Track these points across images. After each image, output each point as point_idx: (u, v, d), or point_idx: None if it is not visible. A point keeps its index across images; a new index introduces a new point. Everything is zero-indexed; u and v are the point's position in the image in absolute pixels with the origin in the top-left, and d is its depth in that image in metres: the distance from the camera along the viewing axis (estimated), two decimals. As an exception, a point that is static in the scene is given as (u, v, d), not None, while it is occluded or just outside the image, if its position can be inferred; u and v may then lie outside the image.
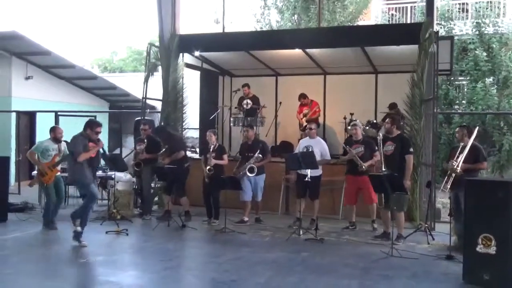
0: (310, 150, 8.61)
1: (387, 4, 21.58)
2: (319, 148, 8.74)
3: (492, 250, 5.61)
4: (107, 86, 18.20)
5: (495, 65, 15.80)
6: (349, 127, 9.45)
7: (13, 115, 14.31)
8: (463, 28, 17.35)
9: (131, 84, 17.80)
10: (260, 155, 8.82)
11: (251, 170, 8.73)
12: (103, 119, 15.90)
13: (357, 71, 11.84)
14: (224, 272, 6.16)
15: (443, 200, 10.83)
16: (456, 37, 14.74)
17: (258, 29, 21.29)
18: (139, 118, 11.16)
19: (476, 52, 15.87)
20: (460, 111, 16.14)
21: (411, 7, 20.50)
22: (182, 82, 11.18)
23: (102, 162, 9.55)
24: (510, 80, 15.73)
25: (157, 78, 11.27)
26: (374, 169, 8.21)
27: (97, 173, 8.40)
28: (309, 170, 8.21)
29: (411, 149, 7.84)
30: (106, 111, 18.32)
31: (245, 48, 11.05)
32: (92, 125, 7.62)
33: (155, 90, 11.26)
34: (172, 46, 10.88)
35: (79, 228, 7.38)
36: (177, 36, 11.01)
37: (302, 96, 11.53)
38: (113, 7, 51.70)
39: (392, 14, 21.14)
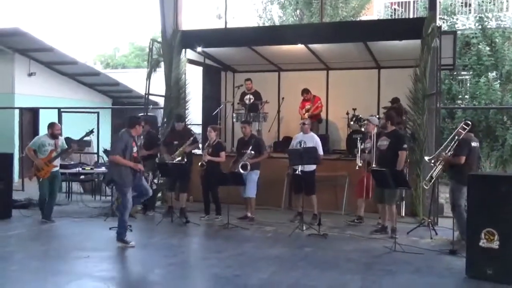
0: (303, 145, 8.62)
1: (390, -2, 21.52)
2: (313, 143, 8.72)
3: (495, 244, 5.61)
4: (110, 83, 18.21)
5: (498, 59, 15.75)
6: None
7: (16, 111, 14.34)
8: (466, 23, 17.28)
9: (134, 80, 17.83)
10: (252, 152, 8.74)
11: (243, 167, 8.62)
12: (106, 115, 15.95)
13: (360, 66, 11.83)
14: (227, 268, 6.18)
15: (446, 195, 10.83)
16: (459, 32, 14.70)
17: (261, 25, 21.28)
18: (140, 114, 11.16)
19: (479, 46, 15.81)
20: (463, 106, 16.10)
21: (414, 1, 20.46)
22: (184, 78, 11.17)
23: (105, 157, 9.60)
24: (513, 74, 15.69)
25: (159, 74, 11.27)
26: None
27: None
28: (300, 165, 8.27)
29: (405, 145, 7.81)
30: (109, 107, 18.35)
31: (248, 44, 11.03)
32: (139, 121, 7.39)
33: (158, 86, 11.27)
34: (174, 42, 10.87)
35: (132, 243, 7.09)
36: (179, 32, 10.99)
37: (305, 91, 11.51)
38: (115, 3, 51.70)
39: (395, 9, 21.09)
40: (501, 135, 14.82)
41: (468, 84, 16.73)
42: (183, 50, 11.08)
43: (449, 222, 7.46)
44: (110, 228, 8.16)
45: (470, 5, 18.76)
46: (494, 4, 17.62)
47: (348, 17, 20.11)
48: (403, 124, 9.46)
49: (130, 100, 19.23)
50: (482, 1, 17.52)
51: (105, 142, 12.70)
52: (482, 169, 7.80)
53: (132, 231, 8.04)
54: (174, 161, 8.99)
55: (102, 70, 24.74)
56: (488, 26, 16.41)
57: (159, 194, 10.54)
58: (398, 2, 21.07)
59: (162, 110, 11.49)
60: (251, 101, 11.33)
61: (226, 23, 12.90)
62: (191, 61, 11.72)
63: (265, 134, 11.11)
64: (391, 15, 20.93)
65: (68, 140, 9.61)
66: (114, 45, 38.23)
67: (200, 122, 12.31)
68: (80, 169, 11.11)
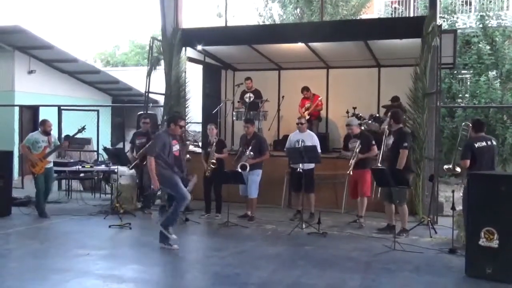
0: (301, 144, 8.63)
1: (390, -3, 21.52)
2: (311, 142, 8.72)
3: (495, 243, 5.61)
4: (110, 80, 18.22)
5: (498, 58, 15.75)
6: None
7: (16, 109, 14.35)
8: (466, 21, 17.29)
9: (134, 78, 17.83)
10: (252, 153, 8.72)
11: (242, 167, 8.61)
12: (105, 113, 15.96)
13: (360, 65, 11.81)
14: (228, 266, 6.18)
15: (445, 193, 10.83)
16: (459, 31, 14.70)
17: (261, 23, 21.26)
18: (142, 112, 11.18)
19: (480, 45, 15.81)
20: (463, 105, 16.10)
21: (414, 0, 20.43)
22: (184, 76, 11.17)
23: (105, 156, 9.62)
24: (513, 73, 15.69)
25: (159, 72, 11.27)
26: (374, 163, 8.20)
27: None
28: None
29: (405, 144, 7.70)
30: (109, 105, 18.35)
31: (248, 42, 11.02)
32: (175, 120, 7.18)
33: (158, 84, 11.26)
34: (174, 40, 10.86)
35: (174, 236, 6.89)
36: (179, 30, 10.99)
37: (305, 89, 11.51)
38: (115, 1, 51.65)
39: (395, 8, 21.08)
40: (501, 134, 14.81)
41: (468, 83, 16.73)
42: (183, 48, 11.06)
43: (449, 221, 7.45)
44: (109, 226, 8.19)
45: (470, 3, 18.75)
46: (494, 3, 17.61)
47: (348, 16, 20.09)
48: (403, 123, 9.45)
49: (130, 98, 19.25)
50: (483, 0, 17.51)
51: (105, 140, 12.71)
52: (496, 168, 7.64)
53: (131, 229, 8.08)
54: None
55: (102, 68, 24.78)
56: (489, 25, 16.41)
57: (159, 192, 10.54)
58: (399, 1, 21.06)
59: (162, 108, 11.49)
60: (251, 99, 11.33)
61: (226, 21, 12.87)
62: (191, 59, 11.70)
63: (265, 132, 11.11)
64: (392, 14, 20.92)
65: (67, 138, 9.66)
66: (115, 43, 38.20)
67: (200, 120, 12.30)
68: (80, 167, 11.12)
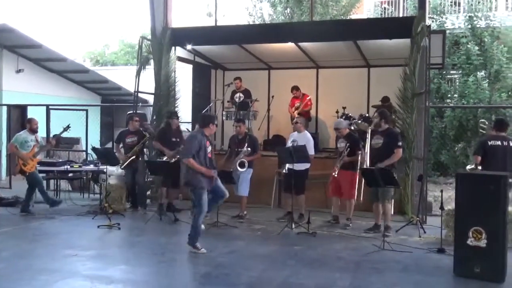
0: (295, 144, 8.61)
1: (380, -3, 21.61)
2: (303, 142, 8.69)
3: (483, 243, 5.65)
4: (99, 80, 18.12)
5: (487, 59, 15.87)
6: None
7: (4, 108, 14.23)
8: (455, 22, 17.40)
9: (123, 77, 17.73)
10: (249, 149, 8.69)
11: (241, 164, 8.61)
12: (95, 113, 15.88)
13: (350, 65, 11.83)
14: (217, 266, 6.16)
15: (434, 193, 10.89)
16: (448, 31, 14.80)
17: (251, 23, 21.25)
18: (131, 112, 11.13)
19: (468, 46, 15.92)
20: (452, 105, 16.21)
21: (403, 0, 20.53)
22: (174, 76, 11.13)
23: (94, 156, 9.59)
24: (501, 74, 15.82)
25: (149, 72, 11.21)
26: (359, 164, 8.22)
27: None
28: (287, 164, 8.31)
29: (400, 143, 7.85)
30: (98, 105, 18.26)
31: (238, 42, 11.01)
32: (213, 119, 6.97)
33: (147, 83, 11.21)
34: (164, 40, 10.82)
35: (203, 250, 6.66)
36: (169, 30, 10.95)
37: (295, 88, 11.52)
38: (105, 0, 51.35)
39: (385, 8, 21.17)
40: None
41: (457, 83, 16.85)
42: (173, 47, 11.03)
43: (437, 220, 7.49)
44: (98, 226, 8.14)
45: (459, 4, 18.87)
46: (483, 4, 17.73)
47: (338, 16, 20.15)
48: (392, 123, 9.49)
49: (119, 98, 19.16)
50: (472, 1, 17.63)
51: (94, 139, 12.64)
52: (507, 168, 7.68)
53: (120, 229, 8.04)
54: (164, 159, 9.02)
55: (92, 67, 24.62)
56: (477, 26, 16.53)
57: (149, 192, 10.51)
58: (388, 1, 21.15)
59: (151, 108, 11.45)
60: (241, 99, 11.32)
61: (216, 21, 12.85)
62: (181, 59, 11.68)
63: (255, 132, 11.09)
64: (381, 14, 21.00)
65: (55, 137, 9.64)
66: (104, 42, 38.05)
67: (190, 120, 12.28)
68: (68, 166, 11.03)
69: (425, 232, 7.91)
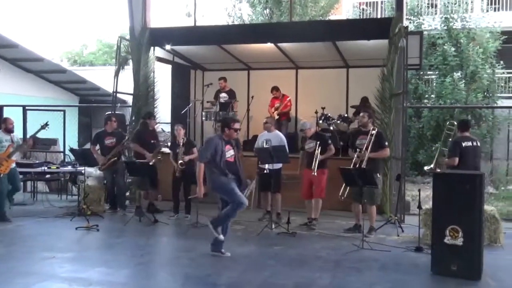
0: (269, 144, 8.62)
1: (358, -2, 21.79)
2: (278, 141, 8.72)
3: (459, 241, 5.73)
4: (77, 80, 17.95)
5: (463, 59, 16.11)
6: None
7: (-20, 109, 13.96)
8: (432, 23, 17.61)
9: (102, 78, 17.59)
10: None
11: None
12: (72, 113, 15.70)
13: (329, 66, 11.92)
14: (198, 267, 6.15)
15: (412, 192, 11.01)
16: (425, 32, 14.98)
17: (230, 23, 21.24)
18: (110, 112, 11.04)
19: (445, 47, 16.14)
20: (429, 105, 16.42)
21: (381, 1, 20.72)
22: (153, 76, 11.08)
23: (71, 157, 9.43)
24: (477, 74, 16.07)
25: (128, 72, 11.14)
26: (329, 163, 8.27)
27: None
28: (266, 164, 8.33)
29: (386, 142, 7.99)
30: (76, 105, 18.09)
31: (217, 42, 11.00)
32: (228, 123, 6.75)
33: (126, 84, 11.13)
34: (143, 40, 10.76)
35: (221, 237, 6.55)
36: (147, 30, 10.89)
37: (275, 89, 11.56)
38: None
39: (363, 9, 21.34)
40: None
41: (434, 84, 17.07)
42: (152, 48, 10.98)
43: (415, 219, 7.58)
44: (76, 228, 8.06)
45: (436, 6, 19.11)
46: (459, 5, 17.98)
47: (317, 17, 20.24)
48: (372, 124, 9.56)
49: (97, 98, 19.00)
50: (448, 2, 17.87)
51: (72, 140, 12.50)
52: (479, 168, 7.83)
53: (98, 231, 7.97)
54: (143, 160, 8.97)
55: (69, 67, 24.34)
56: (454, 27, 16.76)
57: (128, 193, 10.44)
58: (366, 2, 21.33)
59: (130, 109, 11.37)
60: (225, 99, 11.31)
61: (195, 21, 12.81)
62: (160, 59, 11.63)
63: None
64: (360, 15, 21.17)
65: (32, 137, 9.45)
66: (82, 42, 37.58)
67: (169, 121, 12.22)
68: (46, 168, 10.89)
69: (403, 231, 8.00)
